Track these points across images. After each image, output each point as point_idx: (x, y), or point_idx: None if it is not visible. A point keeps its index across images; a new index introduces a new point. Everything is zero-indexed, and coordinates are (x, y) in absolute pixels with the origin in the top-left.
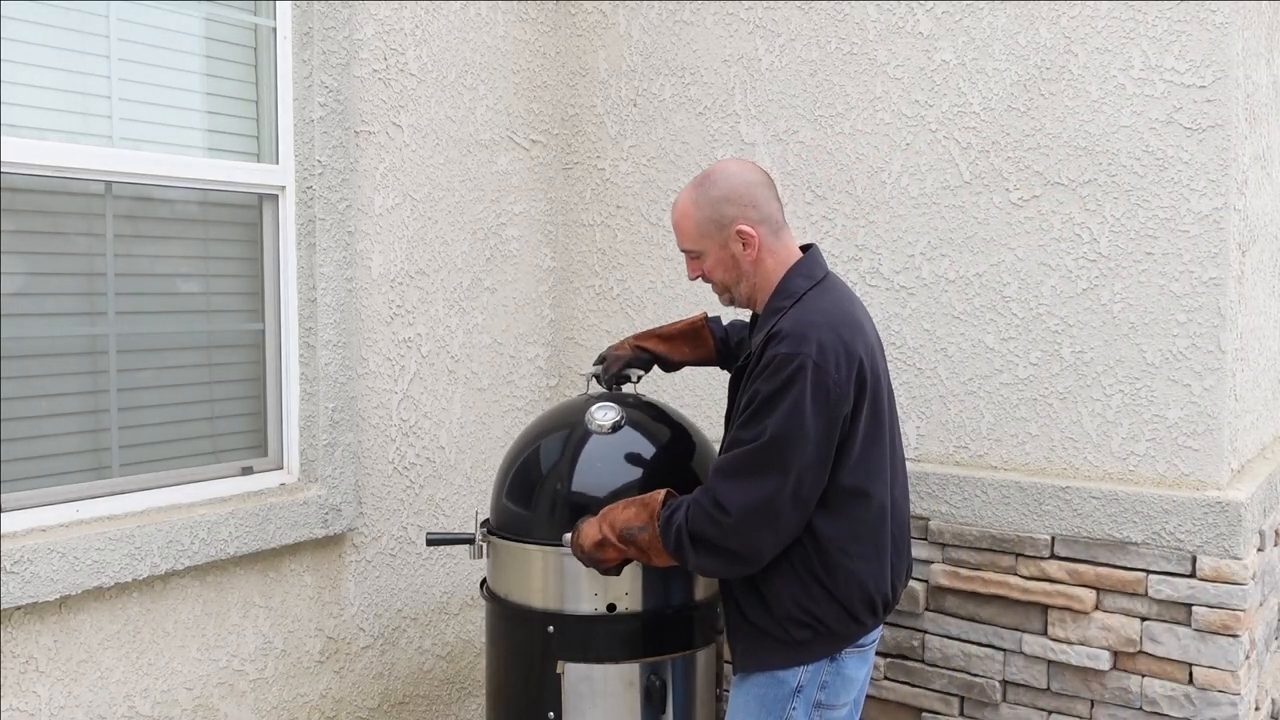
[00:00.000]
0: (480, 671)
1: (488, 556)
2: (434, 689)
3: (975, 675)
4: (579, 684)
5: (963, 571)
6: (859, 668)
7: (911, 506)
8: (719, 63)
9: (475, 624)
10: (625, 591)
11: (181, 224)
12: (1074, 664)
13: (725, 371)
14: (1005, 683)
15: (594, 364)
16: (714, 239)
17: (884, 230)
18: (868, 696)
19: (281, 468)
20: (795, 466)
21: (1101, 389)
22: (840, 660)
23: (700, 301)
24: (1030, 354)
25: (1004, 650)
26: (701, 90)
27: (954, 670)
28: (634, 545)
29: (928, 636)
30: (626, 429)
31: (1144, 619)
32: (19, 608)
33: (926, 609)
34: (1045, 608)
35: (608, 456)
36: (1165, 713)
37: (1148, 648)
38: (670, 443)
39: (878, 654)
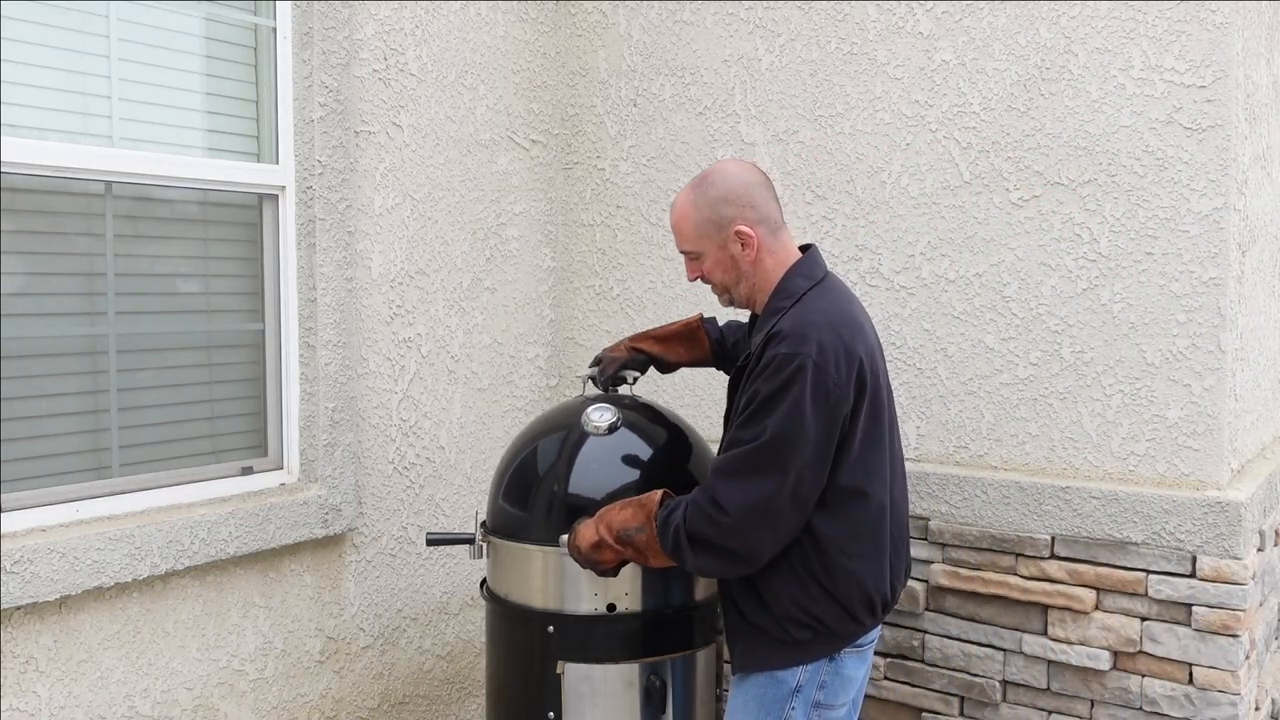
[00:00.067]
0: (480, 671)
1: (487, 557)
2: (434, 689)
3: (975, 675)
4: (579, 684)
5: (963, 571)
6: (858, 667)
7: (911, 506)
8: (719, 63)
9: (475, 624)
10: (625, 591)
11: (181, 224)
12: (1074, 664)
13: (722, 373)
14: (1005, 683)
15: (590, 366)
16: (713, 240)
17: (884, 230)
18: (868, 696)
19: (281, 468)
20: (795, 466)
21: (1101, 389)
22: (839, 660)
23: (700, 302)
24: (1030, 354)
25: (1004, 650)
26: (701, 90)
27: (954, 670)
28: (631, 546)
29: (928, 636)
30: (623, 430)
31: (1144, 619)
32: (19, 608)
33: (926, 609)
34: (1045, 608)
35: (604, 458)
36: (1165, 713)
37: (1148, 648)
38: (667, 444)
39: (877, 654)
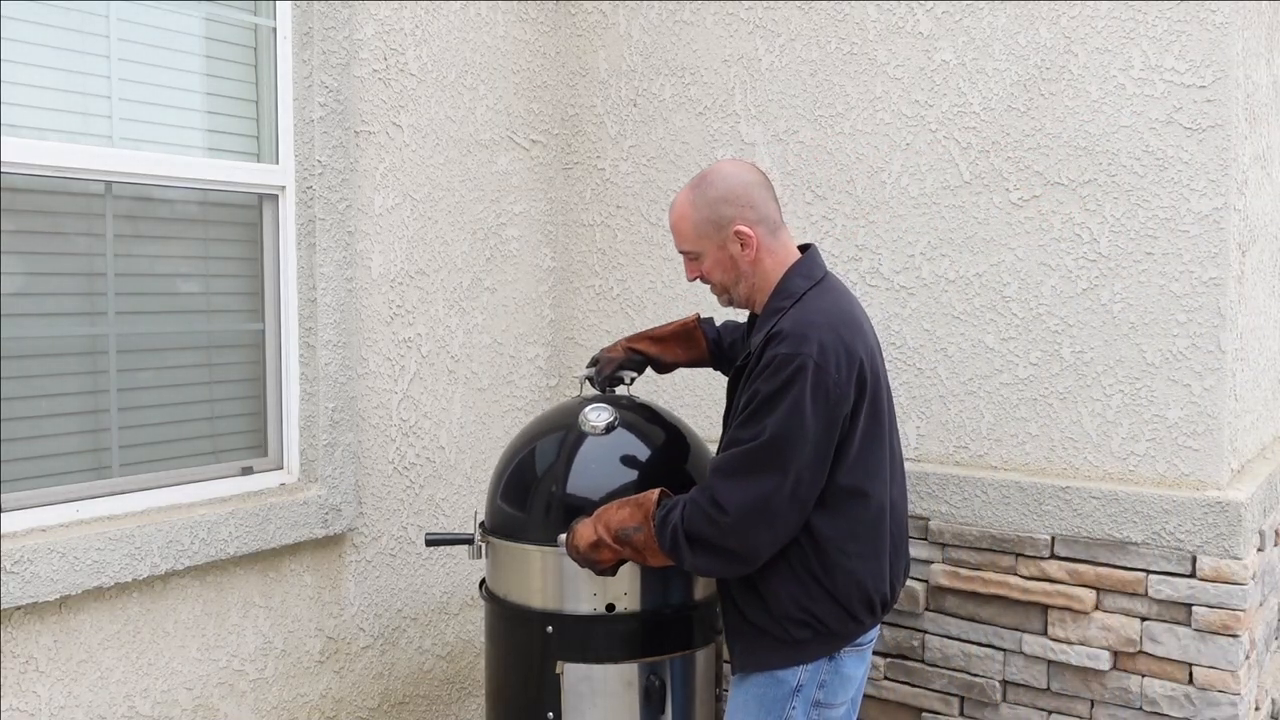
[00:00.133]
0: (480, 671)
1: (487, 557)
2: (434, 689)
3: (975, 675)
4: (578, 684)
5: (963, 571)
6: (857, 666)
7: (911, 506)
8: (719, 63)
9: (475, 624)
10: (624, 591)
11: (181, 224)
12: (1074, 664)
13: (719, 373)
14: (1005, 683)
15: (587, 366)
16: (712, 240)
17: (884, 230)
18: (868, 696)
19: (281, 468)
20: (794, 466)
21: (1101, 389)
22: (839, 659)
23: (700, 302)
24: (1030, 354)
25: (1004, 650)
26: (701, 90)
27: (954, 670)
28: (629, 545)
29: (928, 636)
30: (620, 430)
31: (1144, 619)
32: (19, 608)
33: (926, 609)
34: (1045, 608)
35: (601, 458)
36: (1165, 713)
37: (1148, 648)
38: (664, 443)
39: (877, 654)
